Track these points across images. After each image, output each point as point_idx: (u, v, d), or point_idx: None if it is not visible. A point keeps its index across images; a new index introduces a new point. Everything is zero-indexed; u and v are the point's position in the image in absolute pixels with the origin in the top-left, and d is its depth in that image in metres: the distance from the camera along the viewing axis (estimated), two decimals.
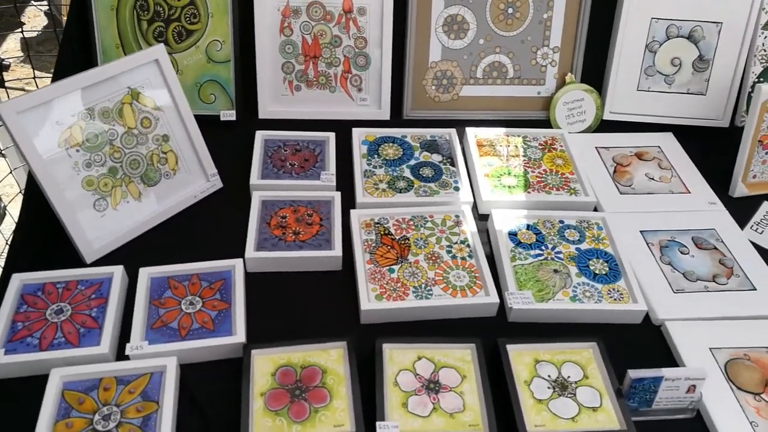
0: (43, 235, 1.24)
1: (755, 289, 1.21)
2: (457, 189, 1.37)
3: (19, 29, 3.07)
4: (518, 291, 1.16)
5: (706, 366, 1.06)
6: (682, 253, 1.28)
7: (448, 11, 1.52)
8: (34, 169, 1.12)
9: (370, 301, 1.13)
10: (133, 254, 1.23)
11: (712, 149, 1.56)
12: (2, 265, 1.26)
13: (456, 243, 1.25)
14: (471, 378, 1.02)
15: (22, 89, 2.92)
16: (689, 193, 1.43)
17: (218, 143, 1.42)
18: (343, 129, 1.51)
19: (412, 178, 1.39)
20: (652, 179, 1.46)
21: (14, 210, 2.16)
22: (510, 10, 1.53)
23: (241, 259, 1.18)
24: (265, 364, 1.03)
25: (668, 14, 1.53)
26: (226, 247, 1.23)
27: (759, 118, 1.40)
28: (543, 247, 1.25)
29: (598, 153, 1.52)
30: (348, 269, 1.21)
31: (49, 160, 1.14)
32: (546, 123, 1.60)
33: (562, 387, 1.02)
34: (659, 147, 1.55)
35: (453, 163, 1.43)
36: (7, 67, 3.15)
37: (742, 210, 1.42)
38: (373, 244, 1.24)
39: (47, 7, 3.12)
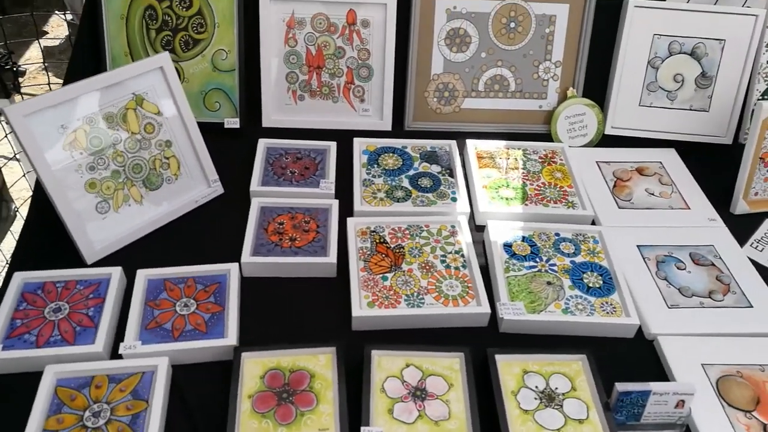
0: (48, 236, 1.26)
1: (752, 307, 1.20)
2: (454, 200, 1.38)
3: (34, 37, 3.15)
4: (510, 302, 1.17)
5: (697, 382, 1.05)
6: (678, 268, 1.27)
7: (451, 24, 1.54)
8: (38, 171, 1.15)
9: (362, 308, 1.14)
10: (133, 256, 1.26)
11: (715, 166, 1.55)
12: None
13: (450, 253, 1.26)
14: (458, 387, 1.03)
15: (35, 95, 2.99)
16: (689, 209, 1.43)
17: (222, 150, 1.44)
18: (345, 139, 1.53)
19: (411, 188, 1.40)
20: (652, 194, 1.46)
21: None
22: (512, 25, 1.55)
23: (236, 264, 1.20)
24: (254, 366, 1.04)
25: (670, 31, 1.53)
26: (225, 251, 1.25)
27: (760, 136, 1.40)
28: (537, 259, 1.25)
29: (598, 167, 1.52)
30: (343, 276, 1.22)
31: (53, 163, 1.17)
32: (547, 137, 1.61)
33: (549, 398, 1.02)
34: (661, 162, 1.54)
35: (452, 174, 1.44)
36: (23, 73, 3.24)
37: (743, 227, 1.42)
38: (368, 252, 1.25)
39: (70, 17, 3.20)
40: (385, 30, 1.51)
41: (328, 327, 1.16)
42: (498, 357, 1.06)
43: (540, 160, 1.50)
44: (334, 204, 1.34)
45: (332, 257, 1.23)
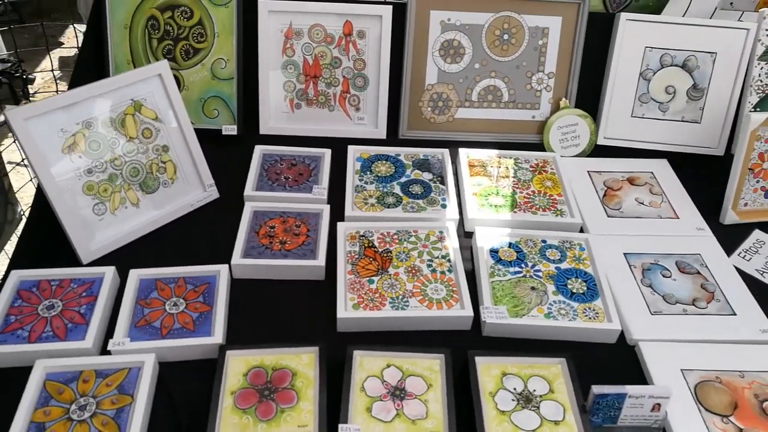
0: (48, 236, 1.30)
1: (735, 314, 1.21)
2: (444, 206, 1.40)
3: (47, 47, 3.23)
4: (493, 306, 1.18)
5: (675, 386, 1.06)
6: (663, 276, 1.28)
7: (445, 36, 1.57)
8: (38, 173, 1.19)
9: (347, 310, 1.17)
10: (127, 257, 1.29)
11: (707, 177, 1.56)
12: None
13: (437, 258, 1.28)
14: (437, 387, 1.04)
15: None
16: (678, 218, 1.44)
17: (219, 156, 1.48)
18: (340, 146, 1.56)
19: (402, 195, 1.43)
20: (642, 204, 1.47)
21: None
22: (506, 36, 1.58)
23: (226, 265, 1.23)
24: (238, 364, 1.06)
25: (662, 44, 1.55)
26: (217, 253, 1.28)
27: (749, 146, 1.41)
28: (522, 265, 1.27)
29: (589, 177, 1.54)
30: (331, 279, 1.25)
31: (52, 165, 1.21)
32: (540, 146, 1.63)
33: (526, 400, 1.03)
34: (652, 173, 1.56)
35: (443, 182, 1.46)
36: (32, 81, 3.34)
37: (732, 237, 1.42)
38: (356, 256, 1.27)
39: (85, 28, 3.30)
40: (381, 41, 1.55)
41: (314, 328, 1.18)
42: (478, 359, 1.08)
43: (531, 169, 1.52)
44: (326, 209, 1.37)
45: (321, 260, 1.25)
